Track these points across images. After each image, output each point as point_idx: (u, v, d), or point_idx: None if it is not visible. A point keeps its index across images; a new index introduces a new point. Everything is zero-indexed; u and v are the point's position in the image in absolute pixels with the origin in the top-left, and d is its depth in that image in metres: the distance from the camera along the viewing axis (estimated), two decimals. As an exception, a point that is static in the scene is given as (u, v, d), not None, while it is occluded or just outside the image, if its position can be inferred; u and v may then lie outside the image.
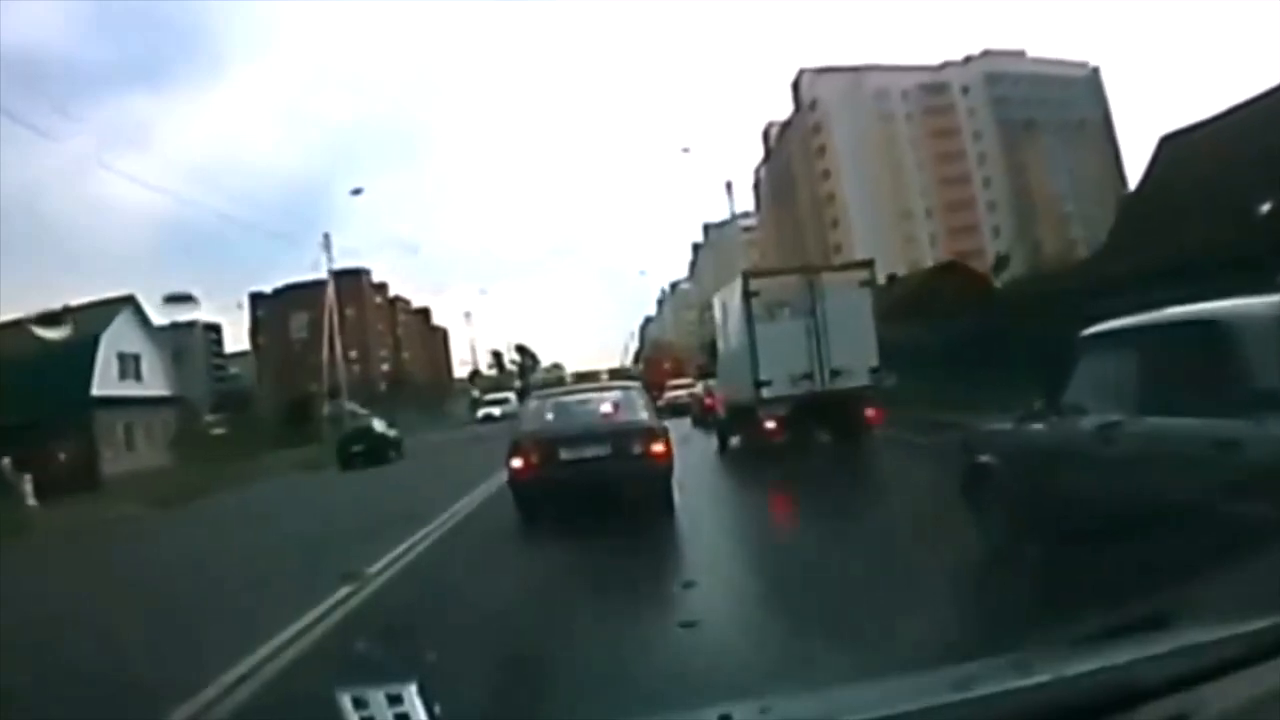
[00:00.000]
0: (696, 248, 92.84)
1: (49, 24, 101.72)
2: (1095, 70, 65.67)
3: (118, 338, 32.72)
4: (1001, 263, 32.67)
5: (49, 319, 30.49)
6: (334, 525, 11.59)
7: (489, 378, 72.18)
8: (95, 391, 30.54)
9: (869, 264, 14.56)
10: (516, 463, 8.91)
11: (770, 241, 75.55)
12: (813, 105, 68.24)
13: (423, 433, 37.37)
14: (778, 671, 3.77)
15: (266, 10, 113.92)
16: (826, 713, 1.42)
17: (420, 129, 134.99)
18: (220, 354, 78.22)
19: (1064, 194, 61.65)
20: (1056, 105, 63.29)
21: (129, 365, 33.28)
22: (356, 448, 25.28)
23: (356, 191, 43.30)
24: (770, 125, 76.97)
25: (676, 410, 24.87)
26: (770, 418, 12.84)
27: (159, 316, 34.61)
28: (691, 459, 12.82)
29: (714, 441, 16.23)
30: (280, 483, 21.29)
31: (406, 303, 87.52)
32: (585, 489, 8.43)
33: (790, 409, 12.78)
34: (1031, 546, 5.04)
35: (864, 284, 13.42)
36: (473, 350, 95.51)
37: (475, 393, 60.93)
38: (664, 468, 8.91)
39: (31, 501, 20.43)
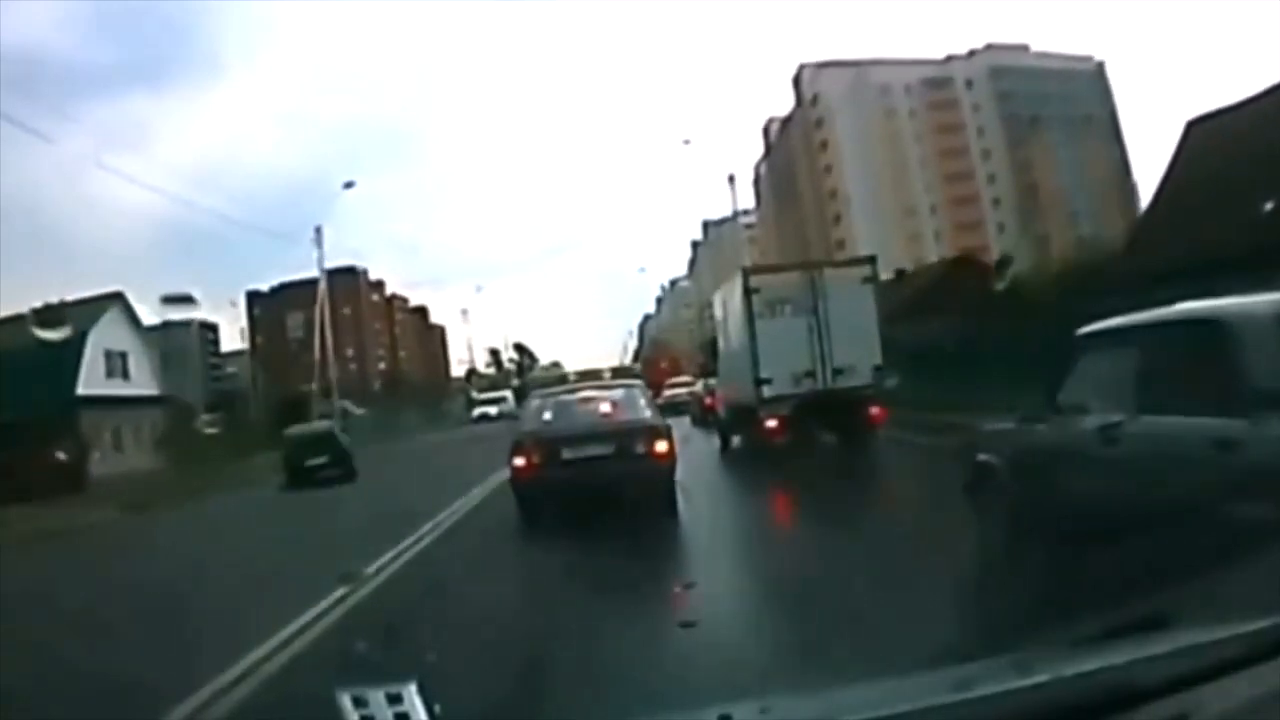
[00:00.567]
0: (696, 245, 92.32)
1: (46, 24, 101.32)
2: (1100, 65, 65.12)
3: (105, 336, 32.02)
4: (1003, 264, 31.96)
5: (41, 316, 30.16)
6: (313, 534, 11.11)
7: (486, 376, 71.68)
8: (81, 391, 29.86)
9: (872, 260, 14.23)
10: (518, 462, 8.85)
11: (771, 238, 74.96)
12: (814, 100, 67.65)
13: (411, 435, 36.94)
14: (777, 669, 3.81)
15: (262, 10, 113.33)
16: (826, 713, 1.42)
17: (417, 126, 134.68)
18: (217, 353, 77.64)
19: (1070, 190, 61.29)
20: (1062, 100, 62.76)
21: (116, 364, 32.57)
22: (315, 459, 19.76)
23: (349, 184, 42.41)
24: (771, 121, 76.35)
25: (675, 409, 24.44)
26: (771, 417, 12.57)
27: (157, 316, 34.24)
28: (692, 460, 12.36)
29: (714, 441, 16.02)
30: (262, 486, 20.61)
31: (404, 301, 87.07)
32: (588, 489, 8.33)
33: (792, 408, 12.52)
34: (1032, 546, 4.99)
35: (866, 280, 13.14)
36: (469, 349, 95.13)
37: (474, 392, 60.36)
38: (667, 467, 8.86)
39: None
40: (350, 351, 74.31)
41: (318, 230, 36.11)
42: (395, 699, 1.31)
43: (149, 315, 36.61)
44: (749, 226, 73.80)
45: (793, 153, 71.53)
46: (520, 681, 3.84)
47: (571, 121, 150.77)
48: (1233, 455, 3.57)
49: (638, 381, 12.41)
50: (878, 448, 12.71)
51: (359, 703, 1.31)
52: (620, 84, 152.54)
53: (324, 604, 6.07)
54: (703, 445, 16.39)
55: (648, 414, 9.49)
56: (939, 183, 64.94)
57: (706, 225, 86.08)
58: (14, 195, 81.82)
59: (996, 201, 64.49)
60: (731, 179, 75.56)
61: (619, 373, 50.21)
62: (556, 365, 78.55)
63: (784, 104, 77.95)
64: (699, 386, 24.58)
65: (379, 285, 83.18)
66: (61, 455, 26.18)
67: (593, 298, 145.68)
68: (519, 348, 79.21)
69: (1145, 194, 56.05)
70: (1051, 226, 59.19)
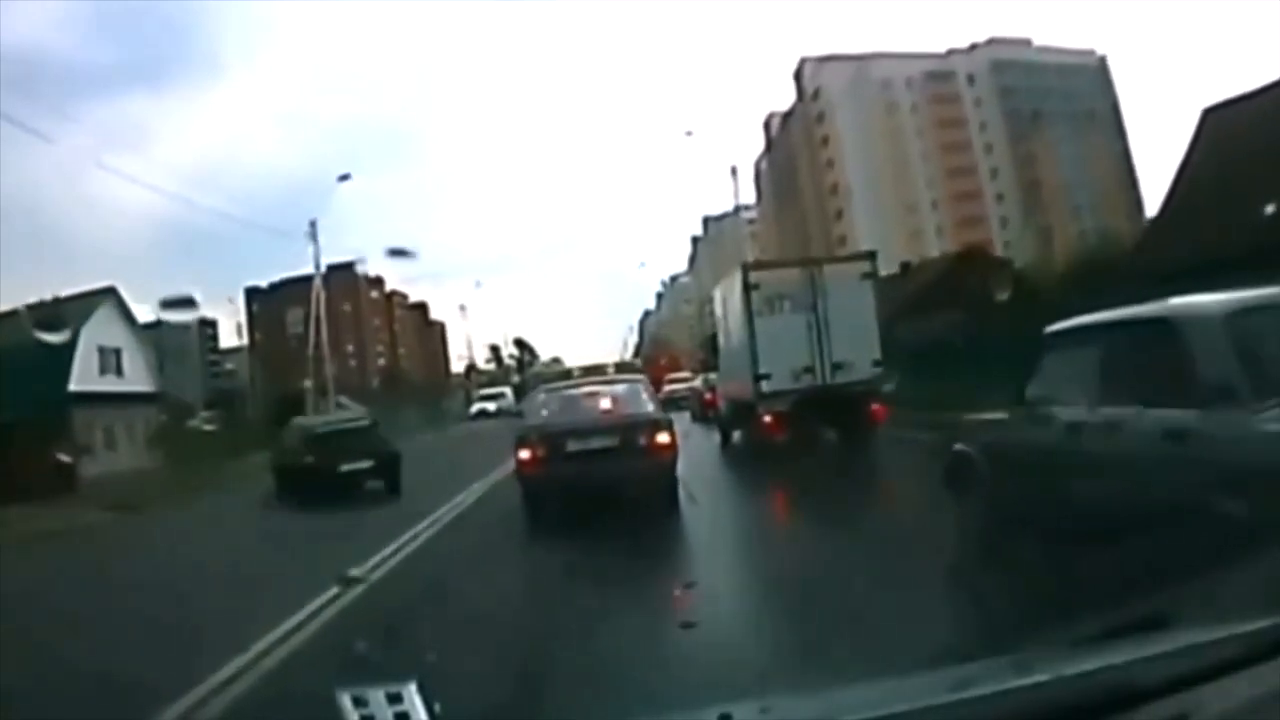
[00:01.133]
0: (696, 241, 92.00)
1: (45, 23, 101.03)
2: (1103, 59, 64.81)
3: (98, 332, 31.63)
4: (1004, 271, 31.47)
5: (38, 314, 29.89)
6: (312, 532, 10.83)
7: (486, 372, 71.41)
8: (74, 388, 29.50)
9: (871, 256, 14.24)
10: (524, 454, 9.05)
11: (772, 234, 74.64)
12: (815, 95, 67.29)
13: (409, 433, 36.62)
14: (775, 664, 3.85)
15: (262, 9, 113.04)
16: (827, 713, 1.41)
17: (417, 122, 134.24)
18: (216, 349, 77.45)
19: (1072, 185, 61.04)
20: (1064, 95, 62.58)
21: (110, 360, 32.20)
22: (354, 463, 14.09)
23: (344, 177, 42.04)
24: (771, 115, 75.93)
25: (675, 405, 24.42)
26: (770, 413, 12.56)
27: (157, 318, 33.95)
28: (692, 456, 12.19)
29: (715, 438, 15.98)
30: (254, 485, 20.30)
31: (404, 297, 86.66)
32: (591, 481, 8.55)
33: (791, 404, 12.51)
34: (1008, 534, 5.27)
35: (865, 276, 13.14)
36: (469, 345, 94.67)
37: (475, 390, 60.17)
38: (669, 460, 9.12)
39: None
40: (349, 348, 74.12)
41: (312, 225, 35.67)
42: (395, 698, 1.31)
43: (148, 313, 36.30)
44: (750, 222, 73.46)
45: (794, 147, 71.17)
46: (522, 678, 3.87)
47: (571, 117, 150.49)
48: (1184, 445, 3.84)
49: (641, 377, 12.65)
50: (878, 445, 12.62)
51: (359, 702, 1.31)
52: (620, 79, 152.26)
53: (319, 602, 6.03)
54: (703, 442, 16.24)
55: (650, 408, 9.71)
56: (941, 177, 64.62)
57: (707, 221, 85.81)
58: (13, 194, 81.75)
59: (999, 196, 64.22)
60: (734, 171, 75.08)
61: (622, 368, 50.50)
62: (557, 361, 78.26)
63: (785, 98, 77.71)
64: (698, 382, 24.59)
65: (378, 281, 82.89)
66: (62, 456, 25.90)
67: (593, 293, 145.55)
68: (519, 344, 78.93)
69: (1147, 188, 56.33)
70: (1054, 221, 59.09)
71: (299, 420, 18.10)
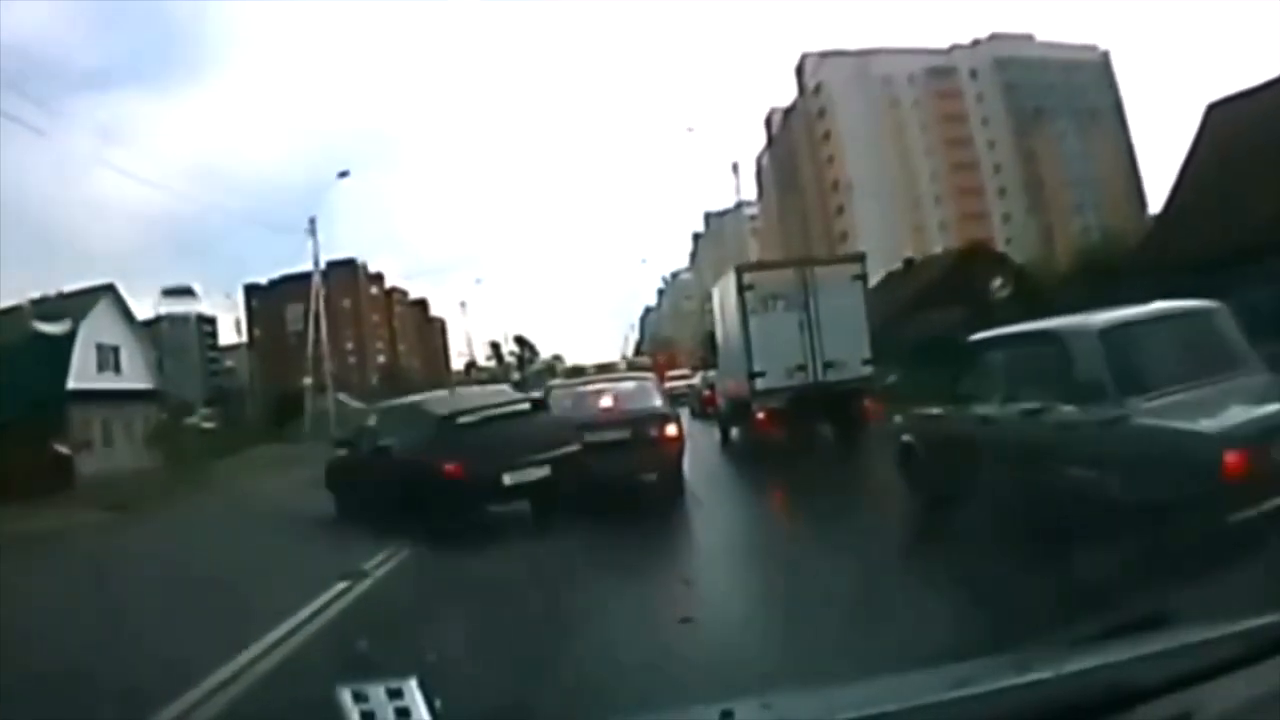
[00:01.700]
0: (697, 237, 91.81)
1: (44, 20, 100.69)
2: (1106, 55, 64.56)
3: (96, 328, 31.50)
4: (1004, 273, 31.22)
5: (40, 310, 29.80)
6: (310, 531, 10.68)
7: (487, 369, 71.29)
8: (72, 385, 29.36)
9: (861, 257, 14.95)
10: None
11: (774, 230, 74.44)
12: (817, 90, 67.05)
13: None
14: (776, 657, 3.95)
15: (261, 5, 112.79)
16: (827, 710, 1.41)
17: (417, 118, 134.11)
18: (215, 347, 77.34)
19: (1075, 181, 60.88)
20: (1067, 90, 62.35)
21: (108, 357, 32.07)
22: (528, 472, 8.66)
23: (343, 174, 42.11)
24: (773, 111, 75.64)
25: (674, 401, 24.56)
26: (765, 410, 13.03)
27: (157, 310, 33.80)
28: (693, 454, 12.24)
29: (714, 434, 16.43)
30: (249, 482, 20.20)
31: (404, 293, 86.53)
32: (606, 469, 9.24)
33: (785, 401, 12.96)
34: (942, 511, 6.16)
35: (856, 277, 13.74)
36: (468, 342, 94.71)
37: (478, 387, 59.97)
38: (676, 451, 10.05)
39: None
40: (349, 345, 74.02)
41: (312, 221, 35.59)
42: (396, 694, 1.31)
43: (148, 309, 36.21)
44: (752, 218, 73.29)
45: (795, 143, 70.95)
46: (526, 664, 3.98)
47: (572, 113, 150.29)
48: (1072, 434, 4.84)
49: (649, 374, 13.67)
50: (869, 439, 12.92)
51: (359, 698, 1.31)
52: (622, 76, 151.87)
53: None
54: (702, 438, 16.32)
55: (658, 403, 10.56)
56: (943, 173, 64.41)
57: (708, 217, 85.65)
58: (11, 191, 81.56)
59: (1002, 192, 63.97)
60: (735, 167, 74.88)
61: (632, 366, 51.45)
62: (558, 359, 78.18)
63: (786, 94, 77.45)
64: (697, 380, 25.18)
65: (378, 278, 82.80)
66: (61, 448, 25.79)
67: (594, 290, 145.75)
68: (519, 341, 78.81)
69: (1150, 184, 56.15)
70: (1056, 217, 58.94)
71: (416, 401, 10.95)
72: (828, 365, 12.96)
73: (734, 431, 15.42)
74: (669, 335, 78.41)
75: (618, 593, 5.58)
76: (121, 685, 4.61)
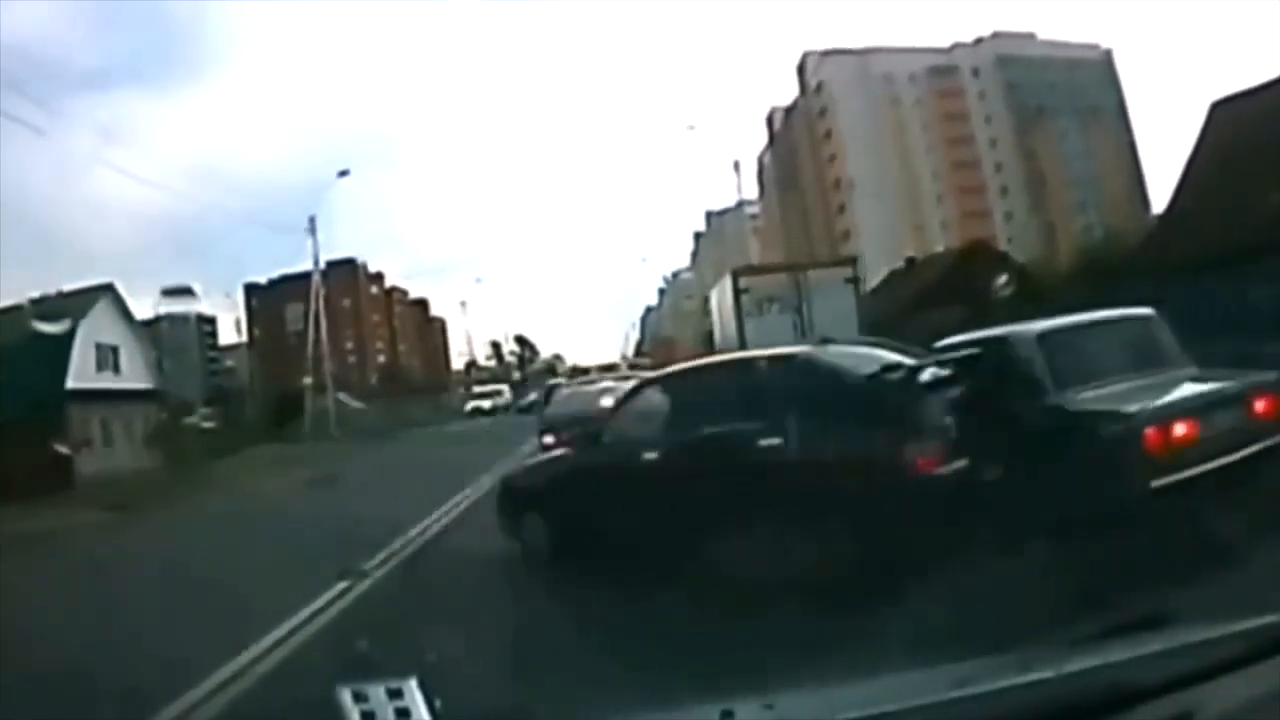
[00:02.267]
0: (698, 236, 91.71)
1: (43, 20, 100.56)
2: (1108, 53, 64.46)
3: (95, 328, 31.46)
4: (1005, 273, 31.23)
5: (40, 309, 29.80)
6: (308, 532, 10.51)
7: (487, 369, 71.31)
8: (71, 385, 29.34)
9: (853, 261, 15.99)
10: (549, 439, 10.57)
11: (775, 229, 74.34)
12: (818, 89, 66.97)
13: (405, 432, 36.58)
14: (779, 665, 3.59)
15: (261, 4, 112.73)
16: (829, 709, 1.42)
17: (417, 117, 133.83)
18: (214, 346, 77.29)
19: (1077, 179, 60.84)
20: (1069, 89, 62.24)
21: (107, 357, 32.02)
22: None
23: (343, 173, 42.21)
24: (774, 110, 75.55)
25: None
26: None
27: (157, 309, 33.83)
28: None
29: None
30: (249, 482, 20.18)
31: (404, 293, 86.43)
32: None
33: None
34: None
35: (848, 280, 14.37)
36: (469, 341, 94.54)
37: (473, 386, 60.09)
38: None
39: None
40: (349, 344, 73.96)
41: (311, 221, 35.61)
42: (396, 694, 1.32)
43: (148, 309, 36.22)
44: (753, 217, 73.22)
45: (796, 142, 70.87)
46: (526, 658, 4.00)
47: (573, 112, 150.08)
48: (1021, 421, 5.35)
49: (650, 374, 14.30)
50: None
51: (359, 698, 1.31)
52: (622, 74, 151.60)
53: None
54: None
55: None
56: (945, 171, 64.34)
57: (709, 216, 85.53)
58: (11, 191, 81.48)
59: (1003, 191, 63.91)
60: (737, 166, 74.84)
61: (633, 366, 52.25)
62: (558, 358, 78.22)
63: (788, 93, 77.36)
64: None
65: (378, 277, 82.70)
66: (61, 448, 25.78)
67: (594, 289, 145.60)
68: (520, 340, 78.88)
69: (1153, 183, 56.11)
70: (1058, 216, 58.88)
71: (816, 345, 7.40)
72: None
73: None
74: (670, 335, 78.39)
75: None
76: (121, 685, 4.61)
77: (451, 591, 6.60)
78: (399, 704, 1.31)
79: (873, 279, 43.08)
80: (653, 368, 32.43)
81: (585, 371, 47.10)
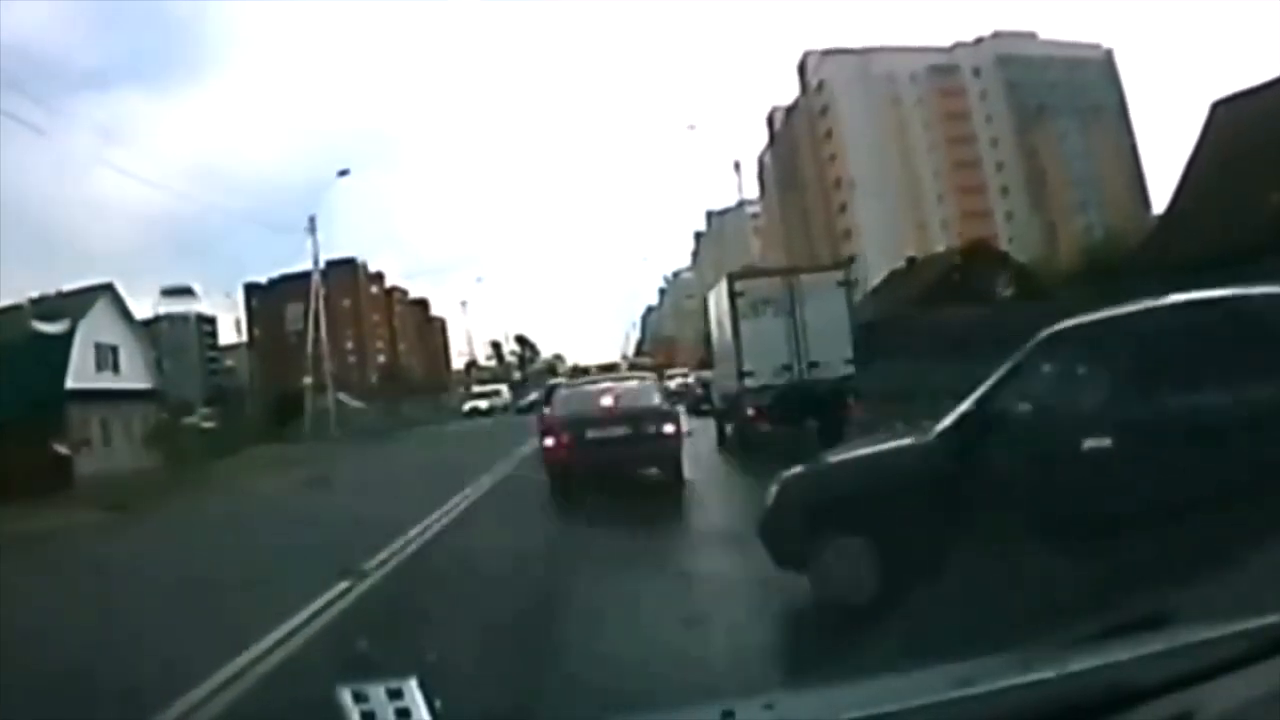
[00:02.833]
0: (699, 236, 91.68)
1: (43, 19, 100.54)
2: (1109, 53, 64.44)
3: (95, 328, 31.42)
4: (1004, 270, 31.31)
5: (40, 309, 29.78)
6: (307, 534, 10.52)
7: (487, 369, 71.30)
8: (71, 385, 29.31)
9: (845, 265, 16.89)
10: (549, 441, 10.56)
11: (776, 228, 74.30)
12: (819, 88, 66.94)
13: (403, 432, 36.48)
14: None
15: (261, 3, 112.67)
16: (829, 710, 1.41)
17: (418, 116, 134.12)
18: (214, 346, 77.26)
19: (1078, 178, 60.84)
20: (1070, 88, 62.27)
21: (106, 356, 31.99)
22: None
23: (343, 173, 42.25)
24: (775, 110, 75.53)
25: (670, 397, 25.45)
26: (754, 406, 14.08)
27: (157, 309, 33.81)
28: (689, 445, 12.66)
29: (710, 430, 17.32)
30: (248, 482, 20.14)
31: (404, 293, 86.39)
32: (607, 463, 9.87)
33: (772, 398, 13.99)
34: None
35: (840, 284, 14.86)
36: (469, 341, 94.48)
37: (472, 386, 60.08)
38: (674, 447, 10.54)
39: None
40: (349, 344, 73.93)
41: (311, 220, 35.63)
42: (396, 694, 1.31)
43: (148, 309, 36.21)
44: (754, 216, 73.18)
45: (797, 141, 70.82)
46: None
47: (574, 111, 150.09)
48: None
49: (650, 374, 15.00)
50: (851, 433, 14.09)
51: (359, 698, 1.31)
52: (623, 74, 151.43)
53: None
54: (699, 432, 16.70)
55: (658, 401, 11.11)
56: (946, 171, 64.32)
57: (710, 215, 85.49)
58: (11, 191, 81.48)
59: (1004, 190, 63.88)
60: (737, 165, 74.77)
61: (633, 366, 52.37)
62: (559, 358, 78.30)
63: (788, 92, 77.28)
64: (691, 379, 27.67)
65: (378, 277, 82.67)
66: (60, 448, 25.75)
67: (595, 289, 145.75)
68: (520, 340, 78.88)
69: (1154, 183, 56.09)
70: (1059, 216, 58.86)
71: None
72: (812, 365, 14.10)
73: (729, 428, 16.30)
74: (670, 334, 78.46)
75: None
76: (121, 685, 4.60)
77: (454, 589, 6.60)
78: (399, 704, 1.31)
79: (874, 278, 43.18)
80: (653, 368, 32.71)
81: (586, 371, 47.39)
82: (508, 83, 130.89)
